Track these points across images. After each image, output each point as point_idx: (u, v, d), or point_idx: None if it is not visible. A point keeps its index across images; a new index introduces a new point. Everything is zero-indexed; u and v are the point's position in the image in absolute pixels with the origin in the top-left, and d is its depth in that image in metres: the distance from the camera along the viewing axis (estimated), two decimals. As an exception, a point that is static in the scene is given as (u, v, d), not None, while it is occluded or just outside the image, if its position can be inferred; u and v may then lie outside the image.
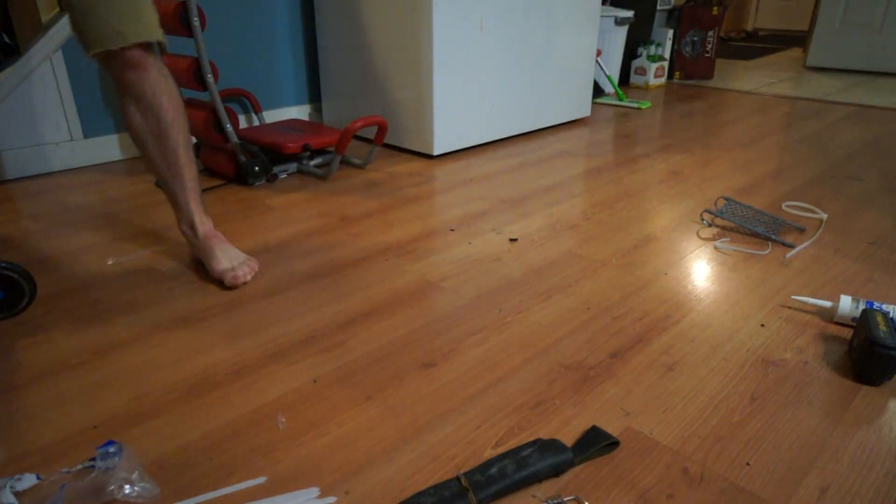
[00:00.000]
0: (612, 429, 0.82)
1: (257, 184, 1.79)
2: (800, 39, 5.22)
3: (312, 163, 1.92)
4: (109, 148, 1.96)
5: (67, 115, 1.85)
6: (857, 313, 1.05)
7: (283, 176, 1.86)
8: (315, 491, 0.72)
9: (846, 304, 1.06)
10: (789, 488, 0.73)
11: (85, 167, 1.91)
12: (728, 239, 1.42)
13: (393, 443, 0.80)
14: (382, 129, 1.79)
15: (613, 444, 0.79)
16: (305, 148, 1.82)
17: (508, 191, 1.74)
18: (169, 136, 1.11)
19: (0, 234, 1.43)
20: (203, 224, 1.21)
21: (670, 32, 3.32)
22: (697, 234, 1.45)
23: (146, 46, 1.05)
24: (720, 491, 0.72)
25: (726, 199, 1.59)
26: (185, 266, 1.28)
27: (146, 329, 1.05)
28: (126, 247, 1.36)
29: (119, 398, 0.88)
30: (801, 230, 1.47)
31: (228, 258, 1.21)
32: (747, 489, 0.73)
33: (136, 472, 0.72)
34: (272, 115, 2.31)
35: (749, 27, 5.91)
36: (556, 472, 0.74)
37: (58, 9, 1.86)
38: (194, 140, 1.94)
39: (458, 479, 0.72)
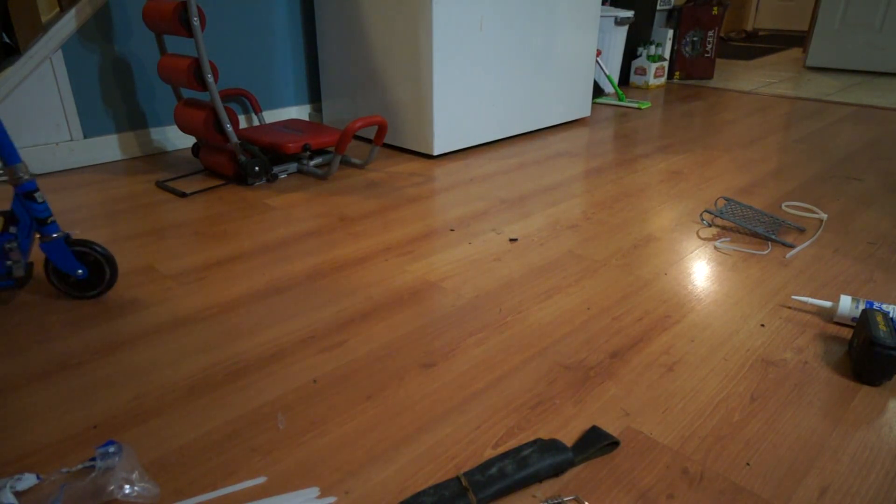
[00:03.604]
0: (612, 429, 0.82)
1: (257, 184, 1.79)
2: (800, 39, 5.23)
3: (312, 163, 1.92)
4: (109, 148, 1.96)
5: (67, 115, 1.85)
6: (857, 313, 1.05)
7: (283, 176, 1.86)
8: (315, 491, 0.72)
9: (846, 304, 1.06)
10: (789, 488, 0.73)
11: (85, 167, 1.91)
12: (728, 239, 1.42)
13: (393, 443, 0.80)
14: (382, 129, 1.79)
15: (613, 444, 0.79)
16: (305, 148, 1.82)
17: (508, 191, 1.74)
18: None
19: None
20: None
21: (670, 32, 3.32)
22: (697, 234, 1.45)
23: None
24: (720, 491, 0.72)
25: (726, 199, 1.59)
26: (185, 266, 1.28)
27: (146, 329, 1.05)
28: (122, 245, 1.36)
29: (119, 398, 0.88)
30: (802, 230, 1.47)
31: None
32: (747, 489, 0.73)
33: (136, 472, 0.72)
34: (272, 115, 2.31)
35: (749, 27, 5.91)
36: (556, 472, 0.74)
37: (58, 9, 1.86)
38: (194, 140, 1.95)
39: (458, 479, 0.72)
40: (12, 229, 1.06)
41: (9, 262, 1.07)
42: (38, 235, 1.09)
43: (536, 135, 2.37)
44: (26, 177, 1.03)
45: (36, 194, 1.05)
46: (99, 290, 1.15)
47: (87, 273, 1.13)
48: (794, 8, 5.73)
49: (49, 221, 1.07)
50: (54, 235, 1.09)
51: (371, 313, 1.10)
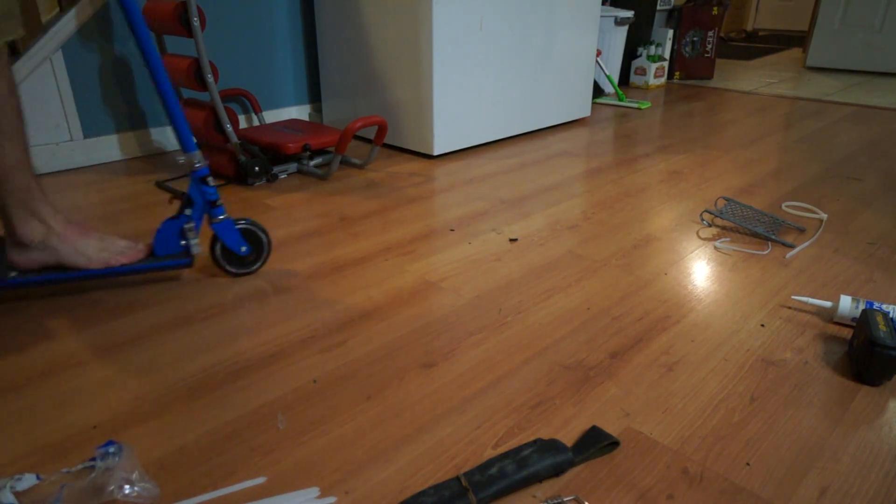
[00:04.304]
0: (612, 429, 0.82)
1: (257, 184, 1.79)
2: (800, 39, 5.22)
3: (312, 163, 1.92)
4: (109, 148, 1.96)
5: (67, 115, 1.85)
6: (857, 313, 1.05)
7: (283, 176, 1.86)
8: (315, 491, 0.72)
9: (846, 304, 1.06)
10: (789, 488, 0.73)
11: (85, 167, 1.91)
12: (728, 239, 1.42)
13: (393, 443, 0.80)
14: (382, 129, 1.79)
15: (613, 444, 0.79)
16: (305, 148, 1.82)
17: (508, 191, 1.74)
18: None
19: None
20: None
21: (670, 32, 3.32)
22: (697, 234, 1.45)
23: None
24: (720, 491, 0.72)
25: (726, 199, 1.59)
26: (185, 266, 1.28)
27: (146, 329, 1.05)
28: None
29: (119, 398, 0.88)
30: (801, 230, 1.47)
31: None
32: (747, 489, 0.73)
33: (136, 472, 0.72)
34: (272, 115, 2.31)
35: (749, 27, 5.91)
36: (556, 472, 0.74)
37: (58, 9, 1.86)
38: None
39: (458, 479, 0.72)
40: (188, 212, 1.16)
41: (183, 242, 1.17)
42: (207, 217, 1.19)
43: (536, 135, 2.37)
44: (201, 163, 1.14)
45: (208, 179, 1.15)
46: (259, 264, 1.26)
47: (250, 249, 1.24)
48: (794, 8, 5.73)
49: (218, 204, 1.18)
50: (222, 217, 1.19)
51: (371, 313, 1.10)
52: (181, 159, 1.11)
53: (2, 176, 1.03)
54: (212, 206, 1.17)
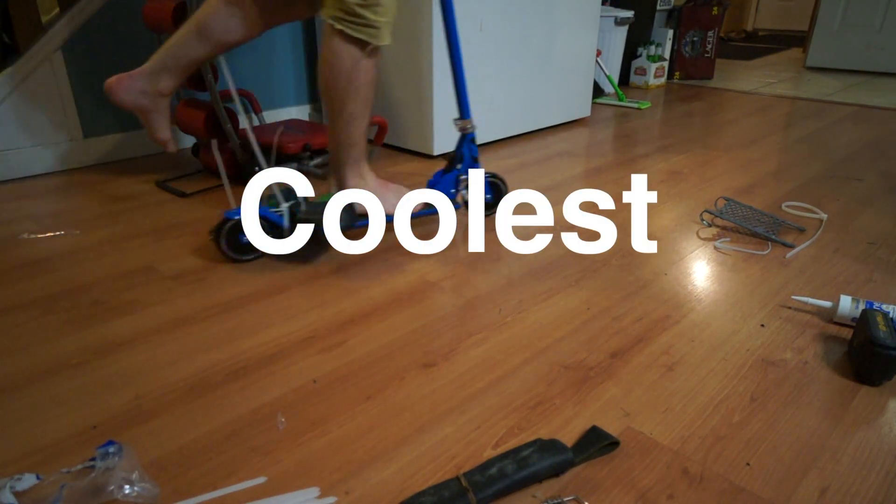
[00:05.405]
0: (612, 429, 0.82)
1: (257, 184, 1.79)
2: (800, 39, 5.22)
3: (312, 163, 1.92)
4: (109, 148, 1.96)
5: (67, 115, 1.85)
6: (857, 313, 1.05)
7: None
8: (315, 491, 0.72)
9: (846, 304, 1.06)
10: (789, 488, 0.73)
11: (85, 167, 1.91)
12: (728, 239, 1.42)
13: (393, 443, 0.80)
14: (382, 129, 1.79)
15: (613, 444, 0.79)
16: (305, 148, 1.82)
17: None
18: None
19: (1, 234, 1.43)
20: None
21: (670, 32, 3.32)
22: (697, 234, 1.45)
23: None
24: (720, 491, 0.72)
25: (726, 199, 1.59)
26: (185, 266, 1.28)
27: (146, 329, 1.05)
28: (122, 245, 1.36)
29: (119, 398, 0.88)
30: (801, 230, 1.47)
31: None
32: (747, 489, 0.73)
33: (136, 472, 0.72)
34: (272, 115, 2.31)
35: (749, 27, 5.91)
36: (556, 472, 0.74)
37: (58, 9, 1.86)
38: (194, 140, 1.94)
39: (458, 479, 0.72)
40: (458, 166, 1.39)
41: (452, 191, 1.40)
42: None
43: (536, 135, 2.37)
44: (472, 127, 1.38)
45: (475, 139, 1.39)
46: (496, 208, 1.56)
47: (492, 198, 1.52)
48: (794, 8, 5.73)
49: (477, 160, 1.41)
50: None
51: (371, 313, 1.10)
52: (458, 121, 1.36)
53: (355, 141, 1.27)
54: (474, 162, 1.39)
